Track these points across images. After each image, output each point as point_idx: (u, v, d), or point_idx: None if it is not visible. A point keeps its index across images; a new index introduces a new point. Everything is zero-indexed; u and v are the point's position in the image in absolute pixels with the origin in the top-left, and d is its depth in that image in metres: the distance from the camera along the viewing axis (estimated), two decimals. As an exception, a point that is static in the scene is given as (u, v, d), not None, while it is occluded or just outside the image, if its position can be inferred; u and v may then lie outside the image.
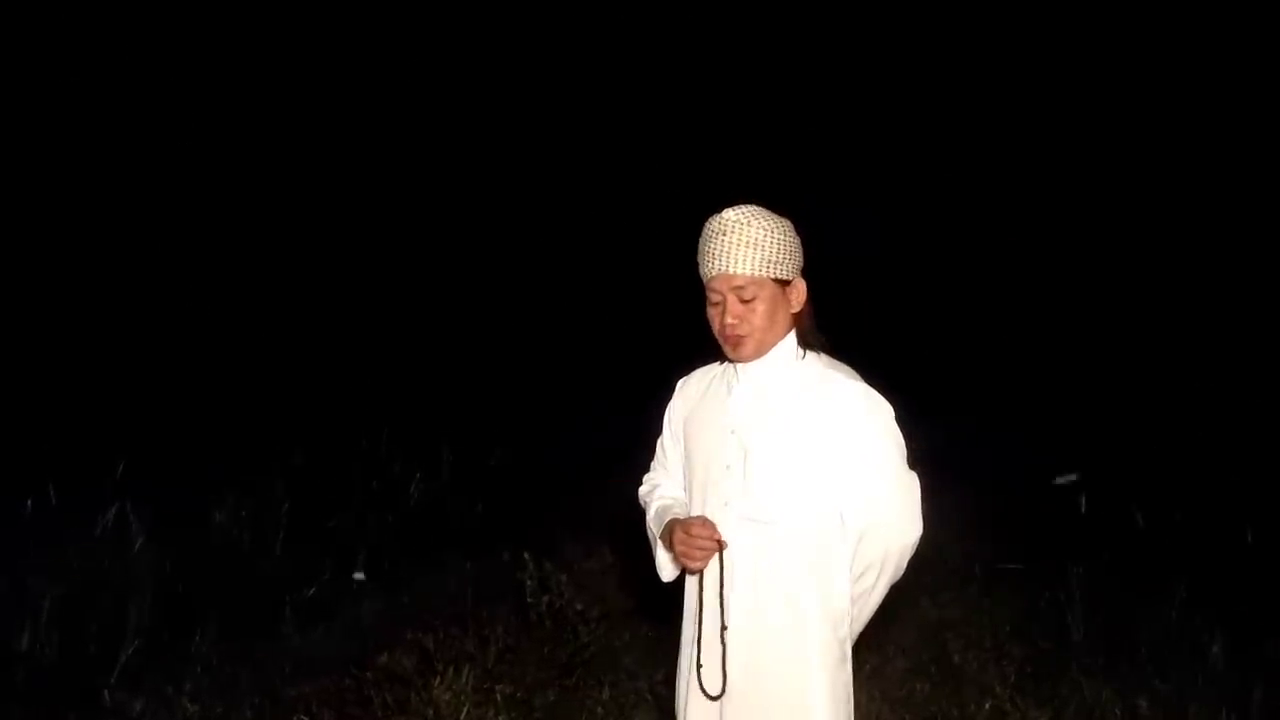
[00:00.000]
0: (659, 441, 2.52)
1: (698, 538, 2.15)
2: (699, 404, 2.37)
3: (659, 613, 4.96)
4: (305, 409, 7.67)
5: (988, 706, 4.14)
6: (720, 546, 2.16)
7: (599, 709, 4.14)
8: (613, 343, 10.73)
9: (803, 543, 2.15)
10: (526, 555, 4.70)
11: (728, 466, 2.20)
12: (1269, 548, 5.77)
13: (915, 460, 2.21)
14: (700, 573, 2.22)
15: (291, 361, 8.97)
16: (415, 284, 11.42)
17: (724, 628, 2.17)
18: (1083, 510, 6.19)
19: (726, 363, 2.33)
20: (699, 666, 2.21)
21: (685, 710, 2.28)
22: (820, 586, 2.16)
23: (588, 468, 7.13)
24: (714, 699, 2.18)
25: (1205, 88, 11.55)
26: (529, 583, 4.66)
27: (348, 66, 11.74)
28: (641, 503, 2.52)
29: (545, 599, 4.66)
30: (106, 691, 3.99)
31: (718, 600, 2.18)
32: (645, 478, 2.56)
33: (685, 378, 2.48)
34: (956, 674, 4.47)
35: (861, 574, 2.19)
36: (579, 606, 4.69)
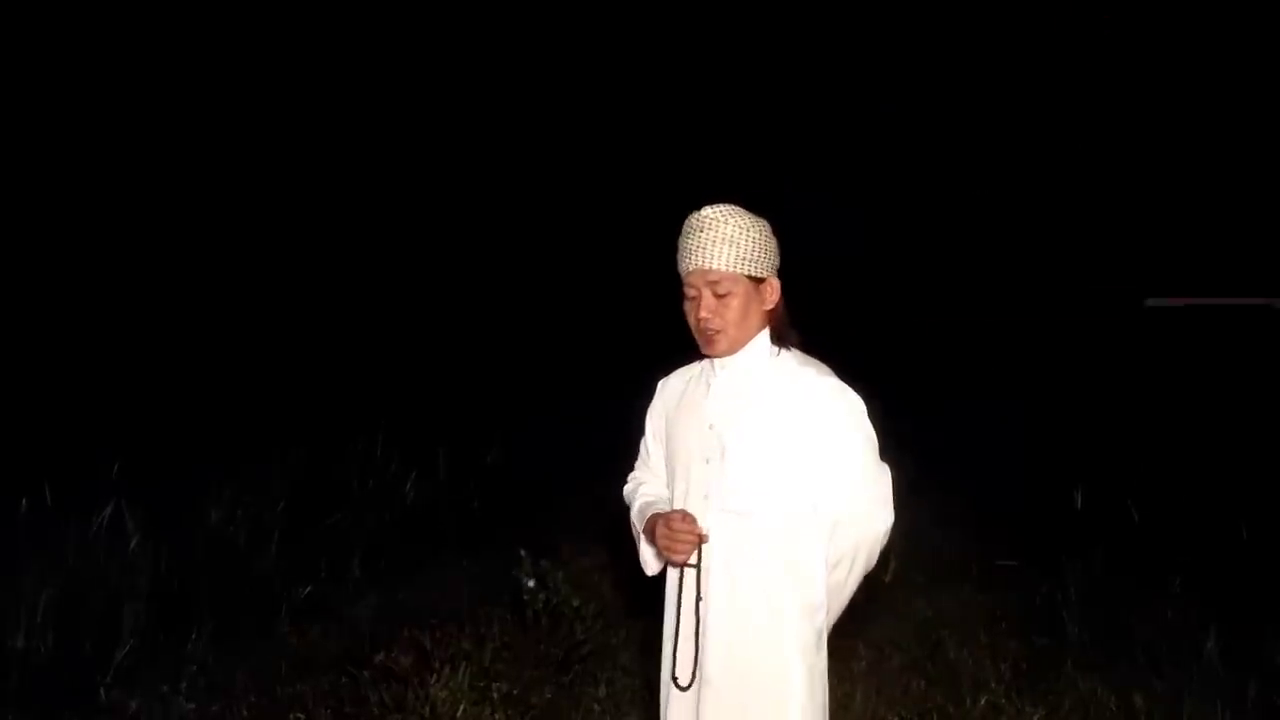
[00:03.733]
0: (642, 441, 2.59)
1: (679, 530, 2.20)
2: (680, 403, 2.42)
3: (655, 609, 4.96)
4: (301, 408, 7.66)
5: (983, 703, 4.14)
6: (701, 539, 2.22)
7: (595, 706, 4.15)
8: (608, 341, 10.73)
9: (778, 535, 2.21)
10: (523, 553, 4.71)
11: (707, 460, 2.26)
12: (1264, 545, 5.77)
13: (891, 453, 2.29)
14: (681, 566, 2.28)
15: (288, 361, 8.96)
16: (411, 284, 11.42)
17: (698, 619, 2.24)
18: (1078, 507, 6.19)
19: (705, 362, 2.40)
20: (675, 659, 2.28)
21: (666, 701, 2.34)
22: (795, 577, 2.22)
23: (583, 466, 7.13)
24: (684, 689, 2.25)
25: (1202, 83, 11.54)
26: (525, 580, 4.66)
27: (344, 68, 11.73)
28: (626, 500, 2.59)
29: (541, 597, 4.66)
30: (102, 690, 4.00)
31: (695, 591, 2.25)
32: (629, 476, 2.63)
33: (665, 379, 2.54)
34: (952, 670, 4.48)
35: (835, 565, 2.24)
36: (575, 604, 4.69)
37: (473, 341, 10.75)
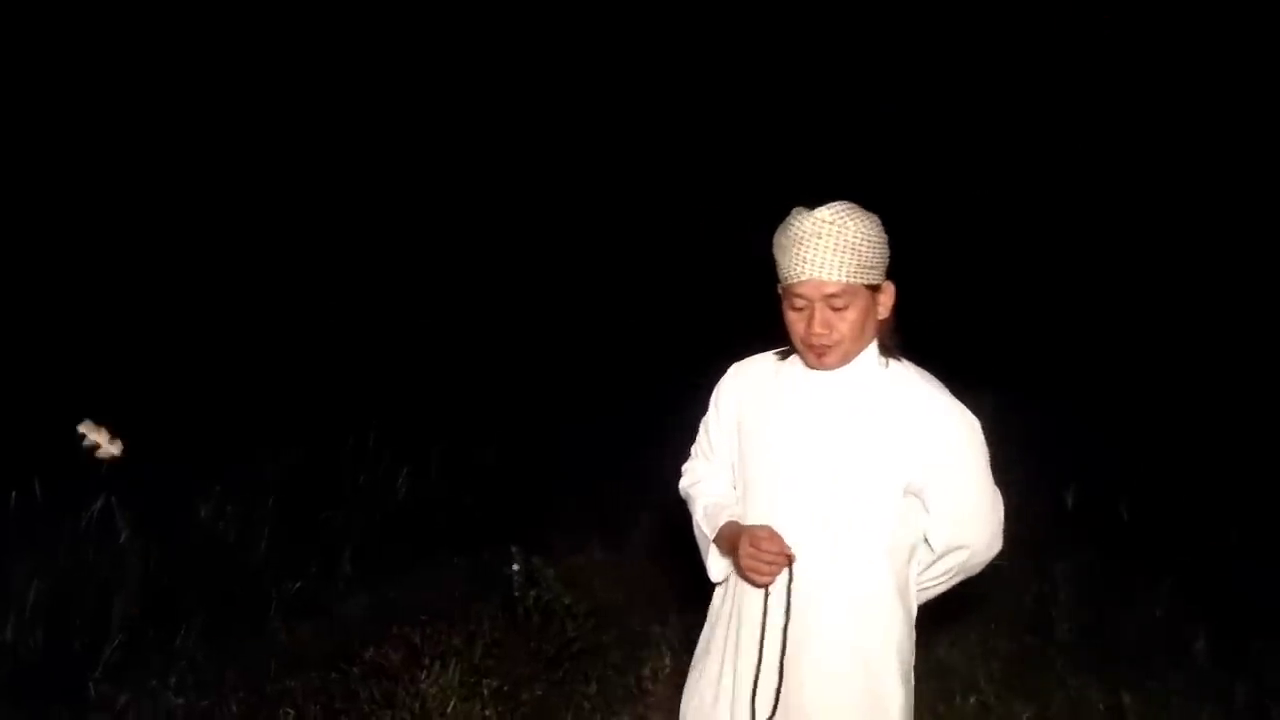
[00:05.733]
0: (703, 426, 2.38)
1: (767, 552, 2.01)
2: (763, 401, 2.20)
3: (646, 608, 4.97)
4: (293, 404, 7.65)
5: (972, 701, 4.16)
6: (790, 561, 2.04)
7: (585, 703, 4.15)
8: (599, 340, 10.72)
9: (885, 557, 2.09)
10: (514, 550, 4.71)
11: (809, 476, 2.08)
12: (1253, 547, 5.81)
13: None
14: (765, 588, 2.09)
15: (280, 358, 8.94)
16: (403, 281, 11.40)
17: (784, 646, 2.07)
18: (1069, 507, 6.21)
19: (793, 362, 2.19)
20: (755, 688, 2.09)
21: None
22: (899, 597, 2.12)
23: (576, 463, 7.13)
24: None
25: (1204, 83, 11.54)
26: (516, 578, 4.67)
27: (340, 61, 11.70)
28: (683, 495, 2.41)
29: (533, 594, 4.67)
30: (91, 685, 3.99)
31: (784, 616, 2.06)
32: (685, 467, 2.44)
33: (739, 365, 2.32)
34: (942, 669, 4.49)
35: (936, 577, 2.19)
36: (566, 601, 4.69)
37: (466, 340, 10.73)
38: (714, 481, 2.34)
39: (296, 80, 11.20)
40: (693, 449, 2.43)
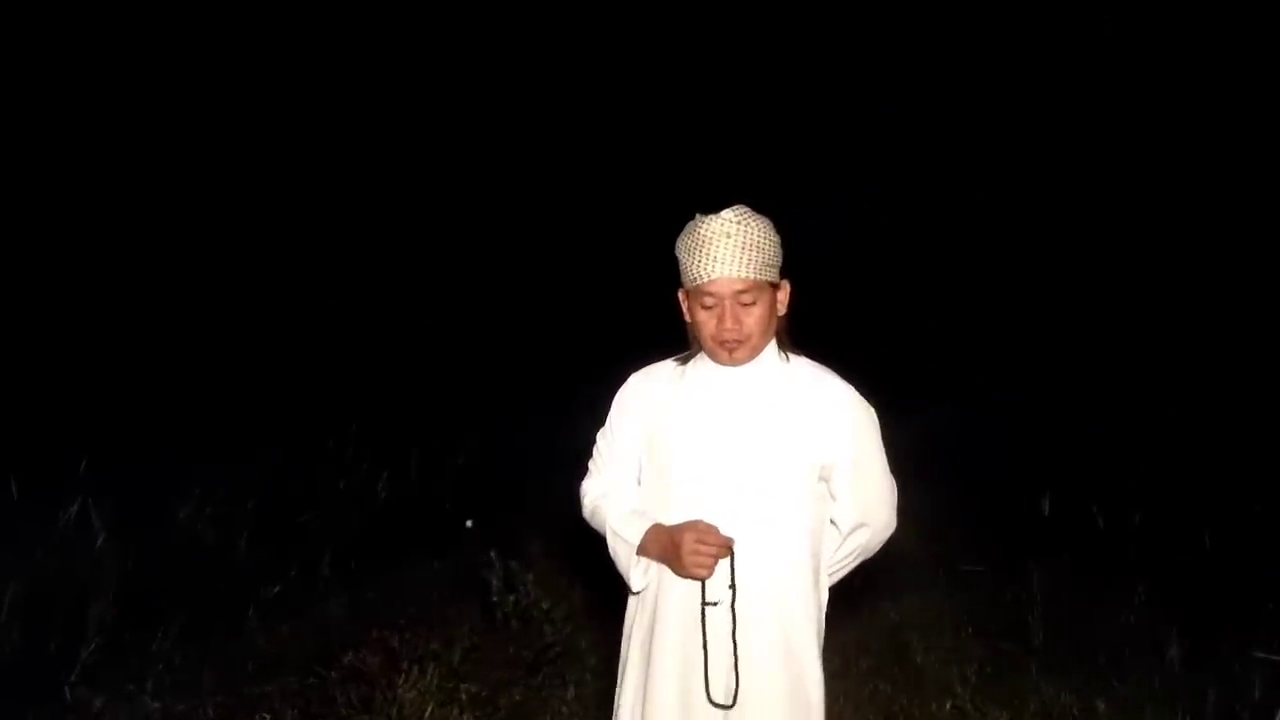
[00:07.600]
0: (602, 439, 2.43)
1: (712, 545, 2.08)
2: (672, 405, 2.26)
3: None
4: (273, 407, 7.63)
5: (948, 707, 4.19)
6: (730, 551, 2.11)
7: (563, 708, 4.16)
8: (577, 341, 10.74)
9: (805, 540, 2.19)
10: (492, 554, 4.71)
11: (730, 470, 2.16)
12: (1226, 552, 5.86)
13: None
14: (703, 580, 2.14)
15: (259, 359, 8.91)
16: (382, 282, 11.39)
17: (734, 634, 2.13)
18: (1046, 513, 6.25)
19: (692, 366, 2.29)
20: (708, 679, 2.14)
21: None
22: (814, 578, 2.23)
23: (554, 467, 7.13)
24: (729, 707, 2.14)
25: (1203, 83, 11.55)
26: (494, 582, 4.67)
27: (318, 65, 11.65)
28: (587, 514, 2.42)
29: (511, 598, 4.67)
30: (67, 688, 3.97)
31: (730, 609, 2.13)
32: (586, 486, 2.46)
33: (642, 373, 2.40)
34: (918, 674, 4.52)
35: (842, 558, 2.29)
36: (544, 606, 4.70)
37: (444, 342, 10.73)
38: (622, 493, 2.37)
39: (281, 89, 11.15)
40: (590, 466, 2.47)
